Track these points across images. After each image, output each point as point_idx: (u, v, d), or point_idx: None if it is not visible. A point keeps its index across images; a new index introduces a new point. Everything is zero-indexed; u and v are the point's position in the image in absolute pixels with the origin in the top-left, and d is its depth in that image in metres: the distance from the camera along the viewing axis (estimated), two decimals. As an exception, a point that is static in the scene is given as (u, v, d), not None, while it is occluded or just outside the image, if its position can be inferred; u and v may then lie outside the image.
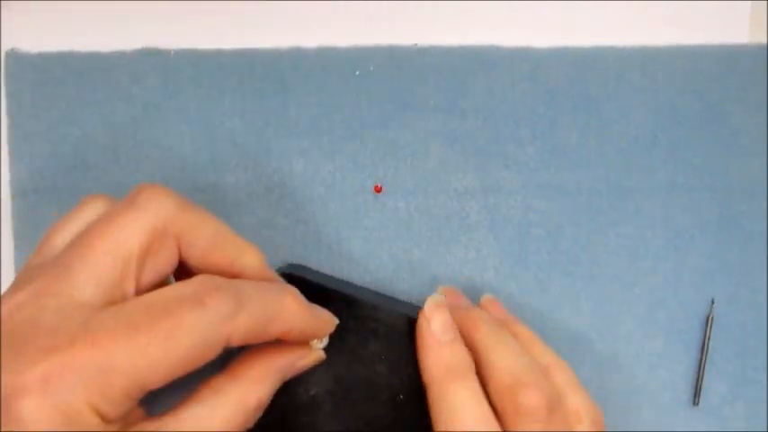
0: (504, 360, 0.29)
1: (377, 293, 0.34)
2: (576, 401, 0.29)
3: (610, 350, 0.35)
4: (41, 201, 0.34)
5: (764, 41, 0.36)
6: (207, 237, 0.26)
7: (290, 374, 0.28)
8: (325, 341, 0.30)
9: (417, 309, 0.31)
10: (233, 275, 0.27)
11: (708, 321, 0.35)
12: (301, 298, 0.27)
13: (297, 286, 0.28)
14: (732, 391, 0.35)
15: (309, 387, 0.31)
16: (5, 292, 0.24)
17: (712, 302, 0.35)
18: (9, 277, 0.35)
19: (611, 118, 0.35)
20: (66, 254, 0.24)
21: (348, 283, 0.34)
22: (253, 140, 0.35)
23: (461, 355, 0.29)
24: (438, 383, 0.29)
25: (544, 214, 0.35)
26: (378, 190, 0.35)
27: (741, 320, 0.35)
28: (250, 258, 0.27)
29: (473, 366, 0.29)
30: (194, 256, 0.26)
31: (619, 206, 0.35)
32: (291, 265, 0.34)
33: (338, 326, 0.30)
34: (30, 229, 0.34)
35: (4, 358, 0.22)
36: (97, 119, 0.34)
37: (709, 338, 0.35)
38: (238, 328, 0.24)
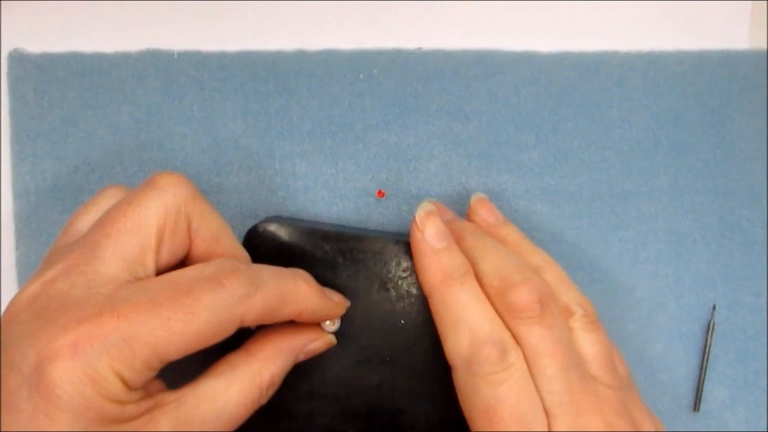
0: (491, 264, 0.29)
1: (356, 228, 0.33)
2: (568, 297, 0.30)
3: (611, 354, 0.35)
4: (44, 202, 0.34)
5: (764, 47, 0.36)
6: (213, 227, 0.28)
7: (302, 357, 0.29)
8: (338, 324, 0.30)
9: (400, 235, 0.31)
10: None
11: (709, 327, 0.35)
12: (313, 281, 0.29)
13: (274, 242, 0.29)
14: (733, 396, 0.35)
15: None
16: (37, 271, 0.26)
17: (713, 309, 0.35)
18: (9, 277, 0.35)
19: (613, 122, 0.35)
20: (92, 233, 0.26)
21: (327, 224, 0.34)
22: (255, 143, 0.35)
23: (459, 260, 0.29)
24: (438, 290, 0.29)
25: (547, 218, 0.35)
26: (380, 195, 0.35)
27: (742, 325, 0.35)
28: (245, 260, 0.29)
29: (471, 269, 0.29)
30: (199, 245, 0.28)
31: (620, 210, 0.35)
32: (269, 218, 0.33)
33: (326, 264, 0.31)
34: (32, 229, 0.34)
35: (39, 328, 0.23)
36: (100, 120, 0.34)
37: (710, 344, 0.35)
38: (252, 308, 0.26)
